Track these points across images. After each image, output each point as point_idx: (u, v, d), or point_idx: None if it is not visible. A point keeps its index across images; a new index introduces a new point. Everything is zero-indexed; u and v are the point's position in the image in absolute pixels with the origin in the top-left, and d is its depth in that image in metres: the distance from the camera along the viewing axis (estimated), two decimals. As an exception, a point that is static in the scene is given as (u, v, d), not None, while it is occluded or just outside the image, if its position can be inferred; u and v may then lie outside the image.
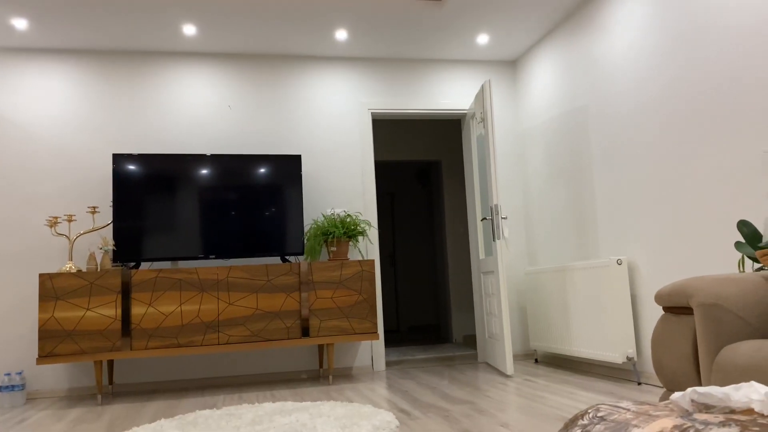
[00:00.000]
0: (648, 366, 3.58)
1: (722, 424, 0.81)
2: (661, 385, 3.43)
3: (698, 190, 3.16)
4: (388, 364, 5.02)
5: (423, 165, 8.08)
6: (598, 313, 3.78)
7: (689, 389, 0.94)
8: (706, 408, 0.92)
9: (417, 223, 8.47)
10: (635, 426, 0.89)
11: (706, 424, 0.82)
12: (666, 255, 3.42)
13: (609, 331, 3.67)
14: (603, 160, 3.98)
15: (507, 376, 4.06)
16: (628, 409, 0.96)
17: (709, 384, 1.79)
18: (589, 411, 1.02)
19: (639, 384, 3.55)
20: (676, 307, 2.00)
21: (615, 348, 3.61)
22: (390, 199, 8.45)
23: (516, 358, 4.95)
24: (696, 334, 1.89)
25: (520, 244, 5.10)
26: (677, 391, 1.96)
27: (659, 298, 2.07)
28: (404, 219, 8.45)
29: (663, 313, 2.12)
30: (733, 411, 0.89)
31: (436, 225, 7.26)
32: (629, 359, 3.57)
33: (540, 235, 4.87)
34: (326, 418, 2.82)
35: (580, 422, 0.99)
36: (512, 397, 3.32)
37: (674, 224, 3.34)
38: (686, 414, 0.89)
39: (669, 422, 0.85)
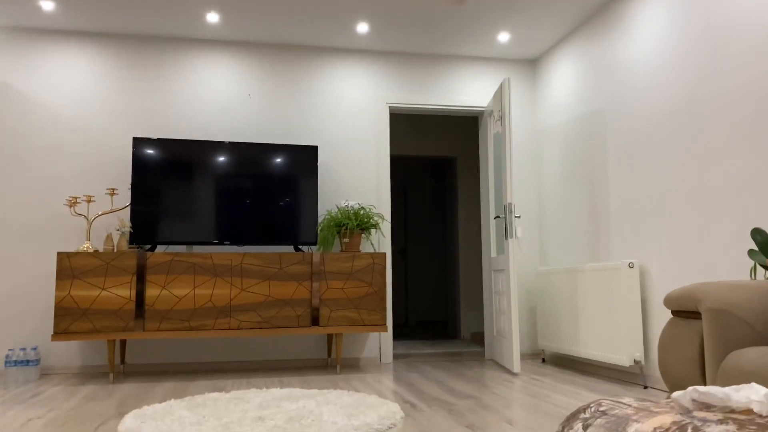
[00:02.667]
0: (655, 370, 3.59)
1: (720, 422, 0.83)
2: (667, 389, 3.43)
3: (713, 196, 3.15)
4: (395, 357, 5.06)
5: (438, 161, 8.08)
6: (608, 316, 3.78)
7: (690, 388, 0.96)
8: (707, 407, 0.94)
9: (429, 218, 8.48)
10: (635, 421, 0.91)
11: (705, 421, 0.84)
12: (678, 260, 3.41)
13: (617, 333, 3.67)
14: (618, 163, 3.97)
15: (513, 374, 4.07)
16: (629, 405, 0.98)
17: (713, 388, 1.79)
18: (591, 405, 1.04)
19: (645, 387, 3.56)
20: (685, 311, 2.01)
21: (623, 351, 3.61)
22: (403, 193, 8.47)
23: (523, 357, 4.96)
24: (703, 339, 1.90)
25: (532, 243, 5.10)
26: (682, 394, 1.97)
27: (668, 302, 2.08)
28: (417, 214, 8.47)
29: (671, 316, 2.13)
30: (732, 411, 0.90)
31: (448, 221, 7.27)
32: (636, 362, 3.58)
33: (553, 236, 4.87)
34: (332, 405, 2.86)
35: (582, 416, 1.02)
36: (518, 394, 3.34)
37: (688, 230, 3.34)
38: (686, 411, 0.91)
39: (668, 418, 0.87)
